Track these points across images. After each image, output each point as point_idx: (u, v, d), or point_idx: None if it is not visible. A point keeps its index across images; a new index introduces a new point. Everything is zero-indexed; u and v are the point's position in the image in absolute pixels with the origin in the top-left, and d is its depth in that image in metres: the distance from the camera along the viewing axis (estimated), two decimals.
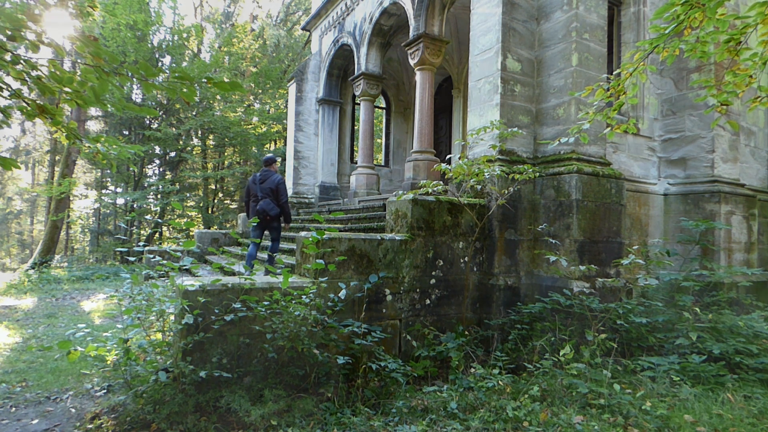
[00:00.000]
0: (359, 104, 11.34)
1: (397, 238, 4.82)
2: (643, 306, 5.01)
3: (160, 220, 18.98)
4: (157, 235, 20.77)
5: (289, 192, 11.99)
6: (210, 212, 21.25)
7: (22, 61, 2.48)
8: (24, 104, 2.68)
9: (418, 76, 8.64)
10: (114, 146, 3.60)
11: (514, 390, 3.82)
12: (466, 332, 4.96)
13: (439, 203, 5.13)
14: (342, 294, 4.18)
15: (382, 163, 14.16)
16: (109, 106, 2.79)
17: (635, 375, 4.17)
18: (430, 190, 5.11)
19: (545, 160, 5.74)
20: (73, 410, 3.77)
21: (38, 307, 8.71)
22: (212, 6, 25.56)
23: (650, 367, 4.21)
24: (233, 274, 6.89)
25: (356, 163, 11.77)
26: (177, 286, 3.71)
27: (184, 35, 20.02)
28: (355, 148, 13.20)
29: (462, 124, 11.95)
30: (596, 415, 3.36)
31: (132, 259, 4.18)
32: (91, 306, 8.86)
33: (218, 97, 20.29)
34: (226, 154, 22.80)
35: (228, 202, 23.16)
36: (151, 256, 9.53)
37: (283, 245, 7.75)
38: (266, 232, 6.78)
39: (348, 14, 11.01)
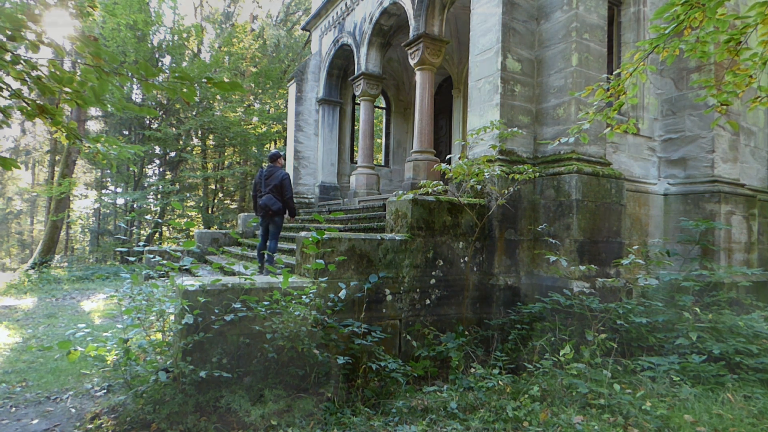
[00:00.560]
0: (359, 104, 11.34)
1: (397, 238, 4.82)
2: (643, 306, 5.01)
3: (160, 220, 18.98)
4: (157, 235, 20.76)
5: None
6: (210, 212, 21.26)
7: (22, 61, 2.48)
8: (24, 104, 2.68)
9: (418, 76, 8.64)
10: (114, 146, 3.60)
11: (514, 390, 3.82)
12: (466, 332, 4.96)
13: (439, 203, 5.13)
14: (342, 294, 4.18)
15: (382, 163, 14.16)
16: (109, 106, 2.79)
17: (635, 375, 4.17)
18: (430, 190, 5.11)
19: (545, 160, 5.74)
20: (73, 410, 3.77)
21: (38, 307, 8.71)
22: (212, 6, 25.57)
23: (650, 367, 4.20)
24: (233, 274, 6.90)
25: (356, 163, 11.77)
26: (177, 286, 3.71)
27: (184, 35, 20.01)
28: (355, 148, 13.20)
29: (462, 124, 11.95)
30: (596, 415, 3.36)
31: (132, 259, 4.19)
32: (91, 306, 8.86)
33: (218, 97, 20.28)
34: (226, 154, 22.80)
35: (228, 202, 23.16)
36: (151, 256, 9.53)
37: (283, 245, 7.75)
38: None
39: (348, 14, 11.01)
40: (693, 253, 6.09)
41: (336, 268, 4.32)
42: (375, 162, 12.21)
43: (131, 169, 19.80)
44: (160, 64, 19.72)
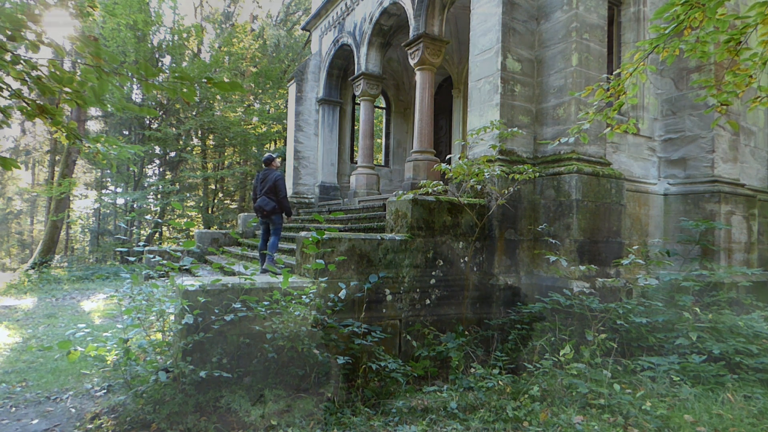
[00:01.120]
0: (359, 104, 11.34)
1: (397, 238, 4.82)
2: (643, 306, 5.00)
3: (160, 220, 18.98)
4: (157, 235, 20.76)
5: (290, 192, 12.00)
6: (210, 212, 21.26)
7: (22, 61, 2.48)
8: (24, 104, 2.68)
9: (418, 76, 8.64)
10: (114, 146, 3.60)
11: (514, 390, 3.82)
12: (466, 332, 4.96)
13: (439, 203, 5.13)
14: (342, 294, 4.18)
15: (382, 163, 14.16)
16: (109, 106, 2.79)
17: (635, 375, 4.17)
18: (430, 190, 5.11)
19: (545, 160, 5.74)
20: (73, 410, 3.77)
21: (38, 307, 8.71)
22: (212, 6, 25.57)
23: (650, 367, 4.20)
24: (233, 274, 6.90)
25: (356, 163, 11.76)
26: (177, 286, 3.71)
27: (184, 35, 20.00)
28: (355, 148, 13.20)
29: (462, 124, 11.95)
30: (596, 415, 3.36)
31: (132, 259, 4.19)
32: (91, 306, 8.86)
33: (218, 97, 20.28)
34: (226, 154, 22.80)
35: (228, 202, 23.16)
36: (151, 256, 9.53)
37: (284, 245, 7.75)
38: None
39: (348, 14, 11.01)
40: (693, 253, 6.08)
41: (336, 268, 4.32)
42: (375, 162, 12.21)
43: (131, 169, 19.80)
44: (160, 64, 19.71)
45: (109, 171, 20.38)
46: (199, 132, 20.87)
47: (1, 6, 3.26)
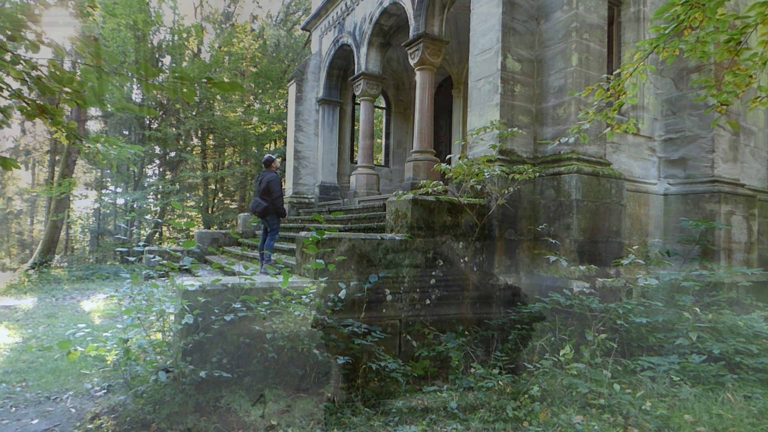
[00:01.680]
0: (359, 104, 11.34)
1: (397, 238, 4.82)
2: (643, 306, 5.00)
3: (160, 220, 18.98)
4: (157, 235, 20.75)
5: (289, 192, 12.01)
6: (210, 212, 21.26)
7: (22, 61, 2.48)
8: (24, 104, 2.68)
9: (418, 76, 8.64)
10: (114, 146, 3.61)
11: (514, 390, 3.82)
12: (466, 332, 4.96)
13: (439, 203, 5.13)
14: (342, 294, 4.18)
15: (382, 163, 14.15)
16: (109, 106, 2.80)
17: (635, 375, 4.17)
18: (430, 190, 5.11)
19: (545, 160, 5.74)
20: (73, 410, 3.76)
21: (38, 307, 8.71)
22: (212, 6, 25.56)
23: (650, 367, 4.20)
24: (233, 274, 6.90)
25: (356, 163, 11.76)
26: (177, 286, 3.71)
27: (184, 35, 20.00)
28: (355, 148, 13.20)
29: (462, 124, 11.95)
30: (596, 415, 3.36)
31: (132, 259, 4.19)
32: (91, 306, 8.86)
33: (218, 97, 20.28)
34: (226, 154, 22.80)
35: (228, 202, 23.16)
36: (151, 256, 9.54)
37: (284, 245, 7.76)
38: None
39: (348, 14, 11.01)
40: (693, 253, 6.08)
41: (336, 268, 4.32)
42: (375, 162, 12.21)
43: (131, 169, 19.80)
44: (160, 64, 19.71)
45: (109, 171, 20.39)
46: (199, 132, 20.88)
47: (1, 6, 3.26)
